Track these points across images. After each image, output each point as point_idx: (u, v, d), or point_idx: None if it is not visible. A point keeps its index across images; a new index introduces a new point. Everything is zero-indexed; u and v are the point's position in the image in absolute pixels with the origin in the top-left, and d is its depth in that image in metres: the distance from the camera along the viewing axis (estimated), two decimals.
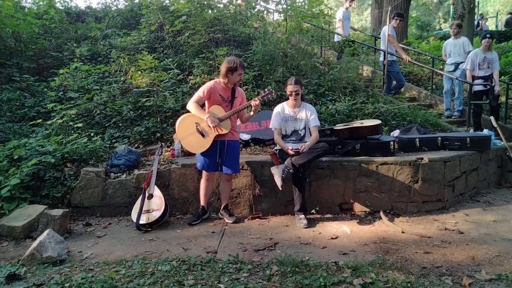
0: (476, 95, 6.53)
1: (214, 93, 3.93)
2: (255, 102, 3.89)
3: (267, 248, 3.35)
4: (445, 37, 12.23)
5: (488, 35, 6.59)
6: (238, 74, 3.90)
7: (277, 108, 4.31)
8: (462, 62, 6.94)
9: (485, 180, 5.19)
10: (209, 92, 3.92)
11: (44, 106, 5.99)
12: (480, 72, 6.52)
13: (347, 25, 8.89)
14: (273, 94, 4.07)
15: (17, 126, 5.67)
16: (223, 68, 3.92)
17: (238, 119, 4.22)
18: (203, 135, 3.87)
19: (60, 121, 5.20)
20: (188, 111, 3.99)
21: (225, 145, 3.94)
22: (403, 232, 3.68)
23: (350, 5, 8.95)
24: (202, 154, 3.95)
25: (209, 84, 3.99)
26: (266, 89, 4.11)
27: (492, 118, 5.48)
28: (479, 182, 5.01)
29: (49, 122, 5.31)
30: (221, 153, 3.94)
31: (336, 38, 8.75)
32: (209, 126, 3.79)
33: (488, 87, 6.31)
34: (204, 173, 4.06)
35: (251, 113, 4.00)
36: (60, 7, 10.03)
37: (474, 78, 6.57)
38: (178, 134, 3.97)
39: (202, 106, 4.00)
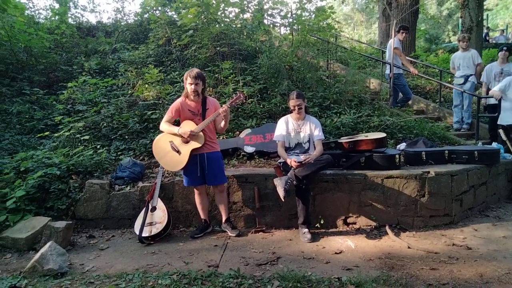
0: (491, 108, 6.43)
1: (183, 109, 3.94)
2: (222, 109, 3.82)
3: (269, 263, 3.30)
4: (454, 49, 12.16)
5: (504, 48, 6.55)
6: (189, 83, 3.84)
7: (281, 121, 4.30)
8: (471, 75, 6.88)
9: (495, 194, 5.08)
10: (177, 110, 3.94)
11: (52, 118, 6.10)
12: (496, 85, 6.42)
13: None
14: (242, 98, 4.02)
15: (26, 138, 5.76)
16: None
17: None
18: (178, 152, 3.87)
19: (67, 133, 5.26)
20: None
21: (204, 159, 3.89)
22: (409, 248, 3.60)
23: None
24: (183, 170, 3.94)
25: (176, 102, 4.00)
26: (234, 94, 4.07)
27: (501, 131, 5.39)
28: (488, 196, 4.90)
29: (56, 134, 5.38)
30: (202, 167, 3.90)
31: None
32: (182, 142, 3.81)
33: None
34: (194, 188, 4.05)
35: (222, 122, 3.95)
36: (72, 22, 10.29)
37: (489, 91, 6.49)
38: (155, 155, 3.98)
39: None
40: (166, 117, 3.98)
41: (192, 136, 3.82)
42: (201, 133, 3.87)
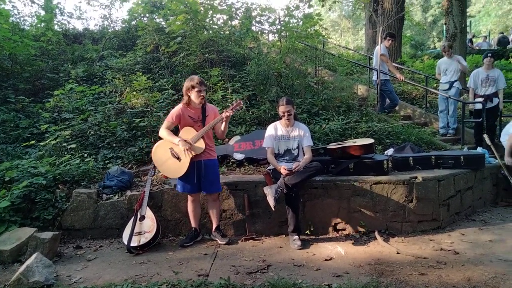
0: (477, 113, 6.56)
1: (183, 116, 3.94)
2: (225, 114, 3.88)
3: (259, 271, 3.28)
4: (439, 56, 12.37)
5: (489, 54, 6.67)
6: (197, 91, 3.85)
7: (270, 127, 4.32)
8: (456, 81, 7.01)
9: (481, 198, 5.16)
10: (177, 117, 3.93)
11: (38, 127, 5.99)
12: (482, 90, 6.56)
13: None
14: (241, 104, 4.12)
15: (11, 147, 5.65)
16: (183, 87, 3.95)
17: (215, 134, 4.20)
18: (179, 159, 3.86)
19: (53, 142, 5.18)
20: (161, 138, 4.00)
21: (202, 166, 3.89)
22: (398, 253, 3.63)
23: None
24: (179, 177, 3.92)
25: (176, 108, 3.99)
26: (234, 102, 4.13)
27: (485, 136, 5.50)
28: (474, 200, 4.98)
29: (42, 143, 5.29)
30: (199, 174, 3.89)
31: None
32: (182, 150, 3.80)
33: (488, 105, 6.34)
34: (188, 195, 4.03)
35: (222, 126, 3.99)
36: (58, 29, 10.18)
37: (476, 97, 6.62)
38: (155, 161, 3.96)
39: (177, 131, 3.99)
40: (165, 123, 3.95)
41: (191, 148, 3.80)
42: (201, 140, 3.87)
